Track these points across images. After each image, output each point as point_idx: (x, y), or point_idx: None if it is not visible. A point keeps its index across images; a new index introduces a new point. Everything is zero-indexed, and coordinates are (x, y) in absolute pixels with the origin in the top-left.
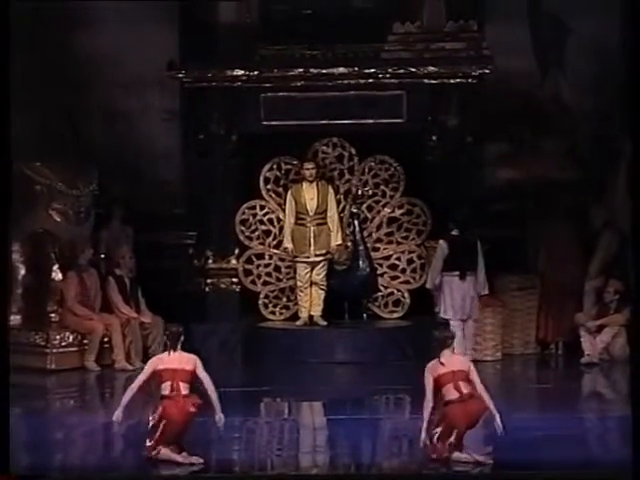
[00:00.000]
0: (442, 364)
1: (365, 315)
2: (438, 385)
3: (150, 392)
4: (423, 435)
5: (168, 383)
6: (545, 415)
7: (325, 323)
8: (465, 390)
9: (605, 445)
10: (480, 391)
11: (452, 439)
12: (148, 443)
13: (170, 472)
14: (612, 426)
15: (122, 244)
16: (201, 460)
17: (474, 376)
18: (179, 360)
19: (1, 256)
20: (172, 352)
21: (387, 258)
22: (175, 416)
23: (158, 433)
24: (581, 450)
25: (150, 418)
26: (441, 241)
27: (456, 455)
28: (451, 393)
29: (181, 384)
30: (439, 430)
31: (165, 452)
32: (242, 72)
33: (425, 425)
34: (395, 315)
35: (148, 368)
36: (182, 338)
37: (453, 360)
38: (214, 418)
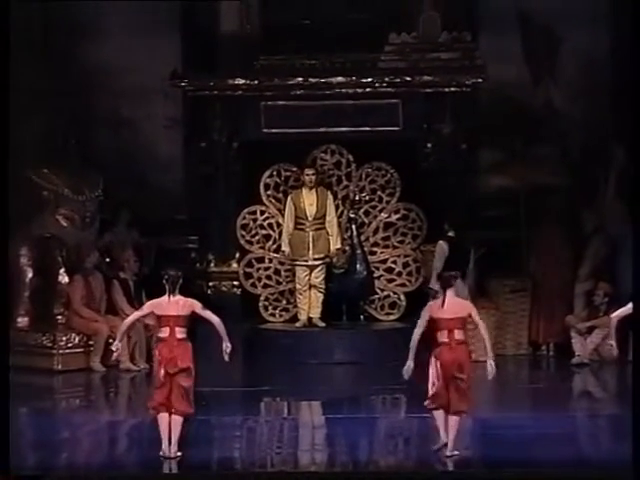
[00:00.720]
0: (443, 307)
1: (362, 317)
2: (434, 326)
3: None
4: (410, 363)
5: (166, 328)
6: (537, 414)
7: (323, 325)
8: (457, 337)
9: (596, 443)
10: (482, 331)
11: (437, 379)
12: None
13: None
14: (602, 424)
15: (127, 248)
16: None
17: (477, 318)
18: (176, 306)
19: (1, 258)
20: (171, 296)
21: (384, 262)
22: (170, 358)
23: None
24: (572, 448)
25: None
26: (441, 242)
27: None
28: (444, 336)
29: (177, 329)
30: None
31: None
32: (243, 81)
33: (411, 354)
34: (391, 317)
35: (147, 308)
36: (180, 282)
37: (454, 305)
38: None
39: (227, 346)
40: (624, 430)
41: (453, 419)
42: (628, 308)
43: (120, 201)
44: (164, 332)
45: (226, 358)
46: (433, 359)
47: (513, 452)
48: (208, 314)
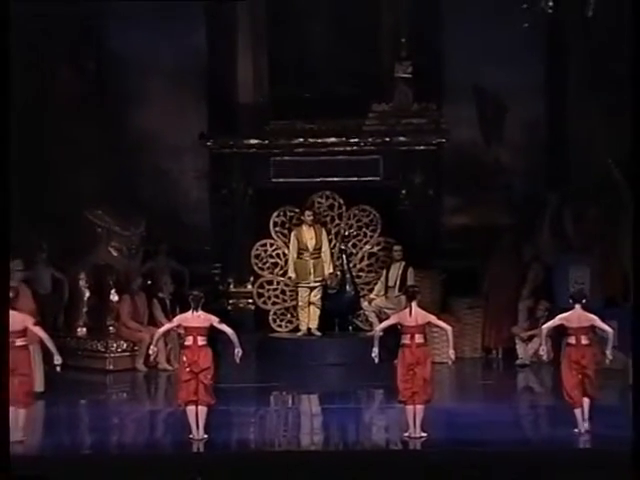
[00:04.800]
0: (410, 316)
1: (351, 328)
2: (402, 329)
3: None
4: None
5: (190, 337)
6: (489, 404)
7: (320, 334)
8: (418, 340)
9: (536, 427)
10: (447, 328)
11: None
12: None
13: (200, 450)
14: (541, 413)
15: (164, 273)
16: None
17: (439, 322)
18: (198, 319)
19: (2, 262)
20: (194, 312)
21: (368, 284)
22: (192, 362)
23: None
24: (517, 431)
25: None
26: (411, 268)
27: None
28: (407, 339)
29: (199, 337)
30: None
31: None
32: (256, 141)
33: (376, 342)
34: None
35: (176, 321)
36: (202, 300)
37: (418, 314)
38: (229, 408)
39: (238, 351)
40: (558, 417)
41: (418, 407)
42: (555, 321)
43: (160, 236)
44: (189, 340)
45: (237, 361)
46: (399, 359)
47: (471, 434)
48: (223, 326)
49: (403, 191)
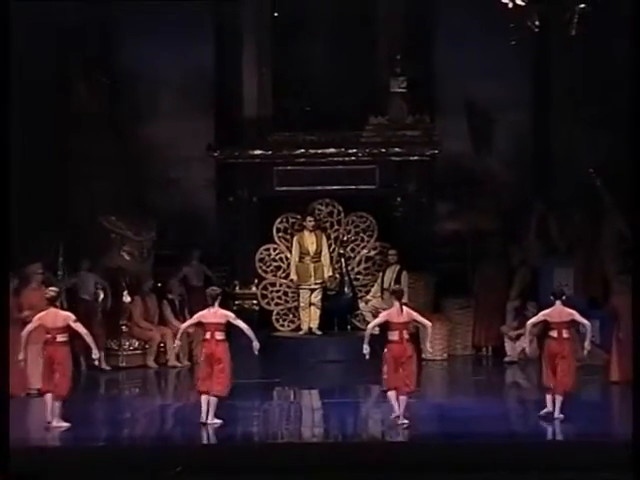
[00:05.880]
0: (399, 314)
1: (349, 327)
2: (389, 326)
3: None
4: (366, 346)
5: (209, 332)
6: (479, 399)
7: (320, 333)
8: (405, 336)
9: (523, 420)
10: (423, 322)
11: (388, 368)
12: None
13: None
14: (528, 407)
15: (199, 279)
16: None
17: (420, 319)
18: (215, 316)
19: (2, 263)
20: (212, 308)
21: (365, 286)
22: (210, 355)
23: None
24: (506, 424)
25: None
26: (404, 271)
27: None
28: (395, 336)
29: (216, 333)
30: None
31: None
32: (260, 152)
33: (366, 339)
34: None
35: (195, 318)
36: (219, 298)
37: (405, 312)
38: (234, 402)
39: (256, 345)
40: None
41: (402, 398)
42: (538, 316)
43: (193, 242)
44: (207, 335)
45: (255, 353)
46: (386, 353)
47: (462, 427)
48: (239, 322)
49: (398, 199)
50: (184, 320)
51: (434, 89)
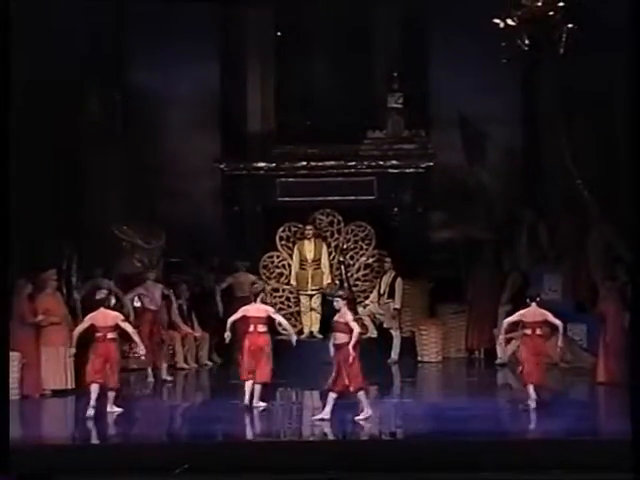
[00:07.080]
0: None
1: None
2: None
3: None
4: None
5: (252, 325)
6: (472, 399)
7: (321, 336)
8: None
9: (514, 419)
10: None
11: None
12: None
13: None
14: (519, 407)
15: (180, 284)
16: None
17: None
18: (257, 310)
19: (2, 263)
20: (254, 303)
21: (364, 291)
22: (253, 345)
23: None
24: (497, 423)
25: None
26: (399, 278)
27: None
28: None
29: (259, 325)
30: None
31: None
32: (264, 164)
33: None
34: (369, 331)
35: (239, 313)
36: (262, 295)
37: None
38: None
39: (293, 337)
40: (533, 410)
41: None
42: (514, 316)
43: (213, 252)
44: (250, 328)
45: (293, 343)
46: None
47: (456, 426)
48: (278, 316)
49: (395, 209)
50: (191, 324)
51: (429, 105)
